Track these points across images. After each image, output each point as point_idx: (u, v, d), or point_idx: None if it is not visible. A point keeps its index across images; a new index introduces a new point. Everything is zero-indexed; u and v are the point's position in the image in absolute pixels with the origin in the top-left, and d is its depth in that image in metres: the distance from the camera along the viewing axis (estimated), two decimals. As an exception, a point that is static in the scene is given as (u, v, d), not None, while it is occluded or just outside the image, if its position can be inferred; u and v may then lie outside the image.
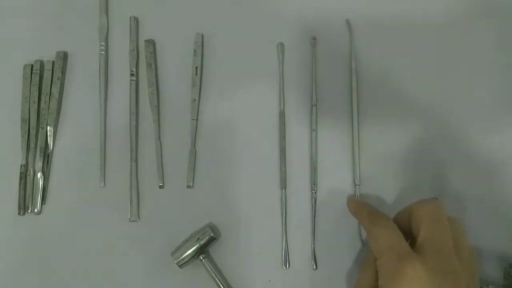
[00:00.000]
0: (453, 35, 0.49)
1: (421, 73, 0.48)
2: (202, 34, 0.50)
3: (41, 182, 0.47)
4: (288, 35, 0.50)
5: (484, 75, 0.48)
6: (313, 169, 0.46)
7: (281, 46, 0.50)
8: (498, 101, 0.48)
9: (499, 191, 0.46)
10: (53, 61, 0.50)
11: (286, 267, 0.45)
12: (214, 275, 0.44)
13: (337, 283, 0.45)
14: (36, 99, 0.49)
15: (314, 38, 0.49)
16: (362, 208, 0.42)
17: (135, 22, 0.50)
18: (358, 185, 0.46)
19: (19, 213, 0.47)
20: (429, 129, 0.47)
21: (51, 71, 0.49)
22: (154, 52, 0.50)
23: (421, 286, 0.32)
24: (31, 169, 0.48)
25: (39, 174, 0.47)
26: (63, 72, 0.50)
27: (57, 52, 0.50)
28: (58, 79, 0.49)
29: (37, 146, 0.48)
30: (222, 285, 0.44)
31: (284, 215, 0.46)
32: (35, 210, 0.47)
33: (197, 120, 0.48)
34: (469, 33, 0.49)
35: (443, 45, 0.49)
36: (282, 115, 0.48)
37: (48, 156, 0.48)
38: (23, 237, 0.47)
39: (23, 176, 0.48)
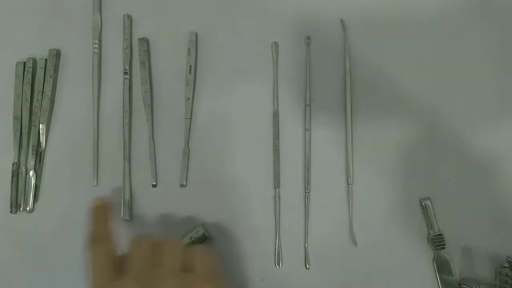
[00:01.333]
0: (447, 34, 0.49)
1: (415, 72, 0.48)
2: (196, 33, 0.50)
3: (33, 180, 0.47)
4: (283, 35, 0.50)
5: (478, 74, 0.48)
6: (307, 168, 0.47)
7: (275, 46, 0.49)
8: (492, 99, 0.48)
9: (492, 191, 0.46)
10: (46, 59, 0.49)
11: (278, 266, 0.45)
12: (206, 274, 0.44)
13: (329, 283, 0.45)
14: (29, 97, 0.48)
15: (309, 38, 0.49)
16: (96, 223, 0.40)
17: (129, 20, 0.50)
18: (351, 184, 0.46)
19: (11, 211, 0.47)
20: (423, 128, 0.47)
21: (43, 69, 0.49)
22: (148, 50, 0.50)
23: None
24: (23, 167, 0.47)
25: (31, 172, 0.47)
26: (56, 70, 0.49)
27: (50, 50, 0.49)
28: (50, 77, 0.49)
29: (29, 144, 0.48)
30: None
31: (277, 214, 0.46)
32: (27, 208, 0.47)
33: (190, 119, 0.48)
34: (464, 32, 0.49)
35: (437, 44, 0.49)
36: (276, 115, 0.48)
37: (41, 154, 0.48)
38: (15, 235, 0.46)
39: (15, 174, 0.47)
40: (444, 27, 0.49)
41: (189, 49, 0.49)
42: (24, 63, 0.49)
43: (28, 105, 0.48)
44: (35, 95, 0.49)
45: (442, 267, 0.45)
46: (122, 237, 0.45)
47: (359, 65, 0.49)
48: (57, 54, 0.49)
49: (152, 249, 0.37)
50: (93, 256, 0.37)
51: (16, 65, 0.49)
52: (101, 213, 0.41)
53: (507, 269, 0.43)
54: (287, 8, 0.50)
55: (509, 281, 0.42)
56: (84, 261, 0.37)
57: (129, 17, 0.50)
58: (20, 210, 0.47)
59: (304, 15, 0.50)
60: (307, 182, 0.46)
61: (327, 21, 0.50)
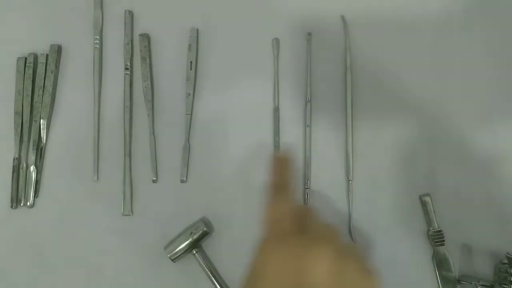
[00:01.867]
0: (449, 32, 0.49)
1: (416, 69, 0.48)
2: (197, 29, 0.50)
3: (34, 176, 0.47)
4: (283, 31, 0.50)
5: (479, 72, 0.48)
6: (307, 164, 0.47)
7: (276, 42, 0.49)
8: (492, 98, 0.48)
9: (491, 189, 0.46)
10: (47, 54, 0.49)
11: (278, 262, 0.45)
12: (207, 269, 0.44)
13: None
14: (30, 92, 0.48)
15: (309, 34, 0.49)
16: (279, 173, 0.40)
17: (130, 16, 0.50)
18: (351, 180, 0.46)
19: (11, 206, 0.47)
20: (423, 125, 0.47)
21: (44, 64, 0.49)
22: (149, 46, 0.50)
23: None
24: (24, 162, 0.48)
25: (32, 168, 0.47)
26: (57, 65, 0.49)
27: (51, 45, 0.49)
28: (51, 72, 0.49)
29: (30, 140, 0.48)
30: (215, 279, 0.44)
31: (277, 210, 0.46)
32: (28, 203, 0.47)
33: (191, 114, 0.48)
34: (465, 29, 0.49)
35: (438, 41, 0.49)
36: (276, 111, 0.48)
37: (41, 149, 0.48)
38: (15, 230, 0.47)
39: (16, 169, 0.47)
40: (445, 25, 0.49)
41: (190, 45, 0.49)
42: (26, 58, 0.49)
43: (29, 101, 0.48)
44: (36, 90, 0.49)
45: (441, 263, 0.45)
46: (123, 233, 0.46)
47: (360, 62, 0.49)
48: (58, 50, 0.50)
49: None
50: (274, 204, 0.37)
51: (17, 61, 0.49)
52: (284, 165, 0.40)
53: (506, 265, 0.43)
54: (288, 4, 0.50)
55: (508, 277, 0.42)
56: (262, 212, 0.36)
57: (130, 13, 0.50)
58: (20, 205, 0.47)
59: (305, 11, 0.50)
60: (307, 178, 0.46)
61: (328, 17, 0.50)
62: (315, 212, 0.38)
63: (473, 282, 0.43)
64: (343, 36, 0.49)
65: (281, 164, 0.41)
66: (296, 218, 0.35)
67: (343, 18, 0.50)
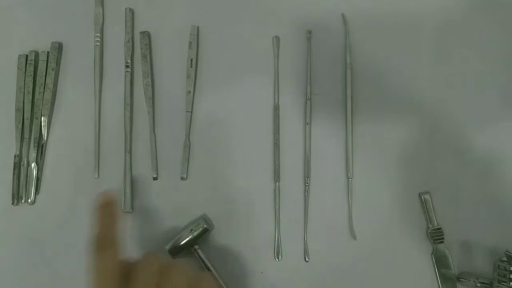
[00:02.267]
0: (449, 31, 0.49)
1: (416, 67, 0.49)
2: (198, 27, 0.50)
3: (35, 172, 0.47)
4: (284, 29, 0.50)
5: (480, 70, 0.48)
6: (307, 162, 0.47)
7: (276, 40, 0.50)
8: (491, 97, 0.48)
9: (491, 187, 0.46)
10: (48, 52, 0.49)
11: (278, 259, 0.45)
12: (207, 266, 0.44)
13: (328, 275, 0.45)
14: (31, 89, 0.49)
15: (310, 32, 0.49)
16: (102, 224, 0.37)
17: (131, 13, 0.50)
18: (351, 178, 0.46)
19: (12, 203, 0.47)
20: (423, 123, 0.48)
21: (45, 61, 0.49)
22: (149, 44, 0.50)
23: None
24: (25, 159, 0.48)
25: (33, 165, 0.47)
26: (58, 63, 0.50)
27: (52, 43, 0.50)
28: (52, 69, 0.49)
29: (31, 137, 0.48)
30: (214, 276, 0.44)
31: (277, 207, 0.46)
32: (29, 200, 0.47)
33: (191, 112, 0.48)
34: (466, 28, 0.49)
35: (438, 40, 0.49)
36: (276, 108, 0.48)
37: (42, 146, 0.48)
38: (16, 226, 0.47)
39: (17, 166, 0.48)
40: (446, 24, 0.49)
41: (190, 42, 0.49)
42: (26, 56, 0.49)
43: (30, 98, 0.48)
44: (37, 87, 0.49)
45: (440, 261, 0.45)
46: (123, 230, 0.46)
47: (360, 60, 0.49)
48: (59, 47, 0.50)
49: (160, 269, 0.35)
50: (98, 263, 0.35)
51: (19, 58, 0.49)
52: (108, 212, 0.37)
53: (506, 263, 0.43)
54: (289, 2, 0.50)
55: (507, 275, 0.42)
56: (87, 266, 0.35)
57: (131, 11, 0.50)
58: (21, 202, 0.47)
59: (305, 9, 0.50)
60: (307, 175, 0.46)
61: (328, 15, 0.50)
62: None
63: (472, 280, 0.43)
64: (343, 34, 0.49)
65: (104, 212, 0.37)
66: (123, 275, 0.34)
67: (343, 16, 0.50)
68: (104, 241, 0.36)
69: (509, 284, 0.42)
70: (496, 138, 0.47)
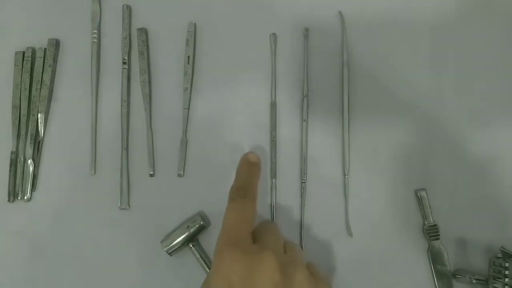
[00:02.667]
0: (447, 30, 0.49)
1: (412, 66, 0.49)
2: (195, 24, 0.50)
3: (31, 169, 0.47)
4: (281, 26, 0.50)
5: (476, 71, 0.49)
6: (303, 159, 0.47)
7: (273, 37, 0.50)
8: (487, 95, 0.48)
9: (487, 184, 0.47)
10: (45, 49, 0.49)
11: (275, 255, 0.45)
12: (203, 263, 0.44)
13: (325, 272, 0.45)
14: (28, 86, 0.49)
15: (307, 29, 0.50)
16: (246, 177, 0.42)
17: (128, 10, 0.50)
18: (347, 175, 0.46)
19: (8, 200, 0.47)
20: (419, 121, 0.48)
21: (42, 58, 0.49)
22: (147, 40, 0.50)
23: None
24: (22, 156, 0.48)
25: (29, 161, 0.47)
26: (55, 59, 0.50)
27: (49, 39, 0.50)
28: (49, 66, 0.49)
29: (27, 133, 0.48)
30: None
31: (273, 204, 0.46)
32: (25, 197, 0.47)
33: (188, 109, 0.48)
34: (463, 28, 0.49)
35: (434, 39, 0.49)
36: (273, 106, 0.48)
37: (39, 143, 0.48)
38: (12, 223, 0.47)
39: (13, 163, 0.47)
40: (443, 24, 0.49)
41: (187, 39, 0.49)
42: (23, 52, 0.49)
43: (27, 94, 0.48)
44: (34, 84, 0.49)
45: (436, 257, 0.45)
46: (120, 227, 0.46)
47: (357, 58, 0.49)
48: (56, 44, 0.50)
49: (283, 239, 0.39)
50: (234, 209, 0.38)
51: (15, 54, 0.49)
52: (253, 169, 0.42)
53: (501, 259, 0.43)
54: (286, 0, 0.50)
55: (503, 271, 0.43)
56: (225, 213, 0.38)
57: (128, 7, 0.50)
58: (18, 199, 0.47)
59: (302, 7, 0.50)
60: (303, 172, 0.47)
61: (325, 13, 0.50)
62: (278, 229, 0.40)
63: (467, 276, 0.43)
64: (340, 31, 0.50)
65: (249, 168, 0.42)
66: (253, 225, 0.38)
67: (340, 13, 0.50)
68: (247, 189, 0.40)
69: (504, 280, 0.42)
70: (492, 137, 0.47)
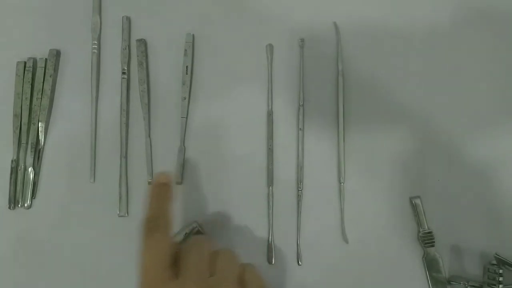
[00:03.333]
0: (440, 39, 0.50)
1: (407, 75, 0.50)
2: (193, 35, 0.51)
3: (31, 177, 0.48)
4: (277, 37, 0.51)
5: (472, 79, 0.49)
6: (299, 167, 0.48)
7: (270, 47, 0.51)
8: (480, 103, 0.49)
9: (481, 191, 0.47)
10: (46, 59, 0.50)
11: (271, 262, 0.46)
12: (200, 270, 0.44)
13: (321, 280, 0.45)
14: (29, 95, 0.49)
15: (302, 40, 0.51)
16: (156, 204, 0.37)
17: (128, 22, 0.51)
18: (343, 183, 0.47)
19: (9, 207, 0.48)
20: (414, 130, 0.48)
21: (43, 68, 0.50)
22: (146, 51, 0.51)
23: None
24: (22, 164, 0.48)
25: (29, 169, 0.48)
26: (56, 69, 0.51)
27: (50, 50, 0.51)
28: (50, 76, 0.50)
29: (28, 142, 0.49)
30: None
31: (270, 211, 0.47)
32: (25, 205, 0.48)
33: (186, 118, 0.49)
34: (458, 37, 0.50)
35: (427, 48, 0.50)
36: (270, 115, 0.49)
37: (39, 151, 0.49)
38: (12, 230, 0.47)
39: (14, 171, 0.48)
40: (436, 33, 0.50)
41: (185, 50, 0.50)
42: (25, 62, 0.50)
43: (28, 104, 0.49)
44: (34, 93, 0.50)
45: (431, 264, 0.45)
46: (118, 234, 0.47)
47: (352, 68, 0.50)
48: (57, 54, 0.51)
49: (210, 253, 0.35)
50: (148, 247, 0.34)
51: (17, 65, 0.50)
52: (164, 193, 0.37)
53: (495, 266, 0.43)
54: (282, 11, 0.51)
55: (497, 278, 0.43)
56: (138, 247, 0.35)
57: (128, 19, 0.51)
58: (18, 206, 0.48)
59: (298, 18, 0.51)
60: (300, 180, 0.47)
61: (320, 24, 0.51)
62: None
63: (462, 283, 0.44)
64: (335, 42, 0.51)
65: (159, 192, 0.37)
66: (173, 257, 0.34)
67: (335, 24, 0.51)
68: (155, 223, 0.35)
69: (499, 287, 0.43)
70: (486, 144, 0.48)
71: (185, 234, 0.45)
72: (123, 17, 0.51)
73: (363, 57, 0.50)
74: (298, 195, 0.47)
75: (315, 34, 0.51)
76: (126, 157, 0.48)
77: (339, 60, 0.50)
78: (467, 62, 0.50)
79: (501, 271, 0.43)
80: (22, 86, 0.50)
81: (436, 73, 0.50)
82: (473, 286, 0.44)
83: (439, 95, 0.49)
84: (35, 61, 0.51)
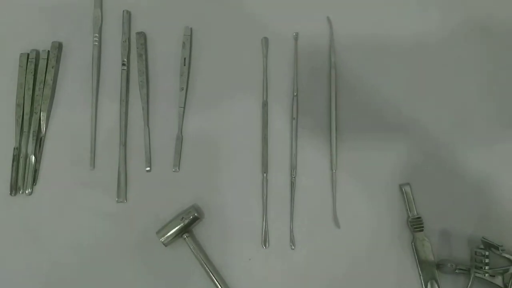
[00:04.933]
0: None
1: (395, 74, 0.52)
2: (191, 28, 0.53)
3: (33, 164, 0.49)
4: (272, 30, 0.53)
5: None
6: (293, 155, 0.49)
7: (265, 40, 0.53)
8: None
9: (468, 179, 0.49)
10: (48, 51, 0.52)
11: (265, 246, 0.47)
12: (196, 253, 0.46)
13: (313, 262, 0.47)
14: (31, 86, 0.51)
15: (297, 34, 0.53)
16: None
17: (128, 15, 0.53)
18: (335, 170, 0.49)
19: (10, 194, 0.49)
20: (403, 122, 0.50)
21: (46, 60, 0.52)
22: (145, 44, 0.53)
23: None
24: (24, 152, 0.50)
25: (31, 157, 0.49)
26: (58, 61, 0.52)
27: (52, 42, 0.52)
28: (52, 67, 0.52)
29: (30, 130, 0.50)
30: (204, 262, 0.46)
31: (265, 197, 0.48)
32: (27, 191, 0.49)
33: (184, 107, 0.51)
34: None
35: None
36: (265, 105, 0.51)
37: (41, 140, 0.50)
38: (14, 216, 0.48)
39: (16, 158, 0.50)
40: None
41: (183, 42, 0.52)
42: (28, 54, 0.52)
43: (30, 94, 0.51)
44: (37, 84, 0.51)
45: (420, 248, 0.47)
46: (117, 219, 0.48)
47: (344, 64, 0.52)
48: (59, 46, 0.52)
49: None
50: None
51: (20, 56, 0.52)
52: None
53: (482, 249, 0.45)
54: (277, 6, 0.53)
55: (483, 260, 0.44)
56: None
57: (128, 13, 0.53)
58: (19, 192, 0.49)
59: (293, 12, 0.53)
60: (293, 167, 0.49)
61: (314, 18, 0.53)
62: None
63: (449, 264, 0.45)
64: (328, 35, 0.52)
65: None
66: None
67: (328, 19, 0.53)
68: None
69: (485, 268, 0.44)
70: (476, 141, 0.50)
71: (182, 218, 0.46)
72: (123, 11, 0.53)
73: (357, 60, 0.52)
74: (292, 181, 0.48)
75: (309, 28, 0.53)
76: (125, 145, 0.50)
77: (331, 52, 0.52)
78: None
79: (487, 253, 0.44)
80: (25, 77, 0.51)
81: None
82: (461, 269, 0.45)
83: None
84: (37, 53, 0.52)
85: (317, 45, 0.52)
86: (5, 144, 0.50)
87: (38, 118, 0.50)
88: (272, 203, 0.48)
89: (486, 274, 0.44)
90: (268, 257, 0.47)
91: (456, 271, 0.45)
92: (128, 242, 0.48)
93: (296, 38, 0.52)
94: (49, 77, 0.51)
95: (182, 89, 0.51)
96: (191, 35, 0.53)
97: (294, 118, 0.50)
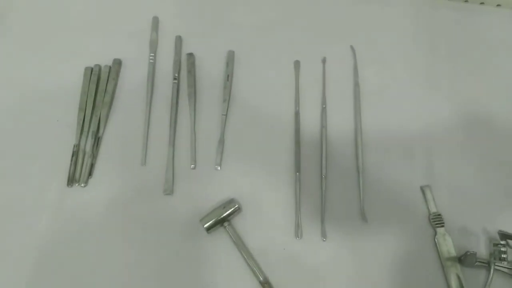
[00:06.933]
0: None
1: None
2: (233, 51, 0.61)
3: (90, 160, 0.55)
4: (303, 54, 0.61)
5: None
6: (324, 157, 0.55)
7: (297, 63, 0.61)
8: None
9: (485, 178, 0.54)
10: (110, 66, 0.60)
11: (299, 237, 0.51)
12: (236, 240, 0.50)
13: (342, 253, 0.51)
14: (93, 93, 0.58)
15: (325, 58, 0.61)
16: None
17: (179, 40, 0.62)
18: (361, 172, 0.54)
19: (68, 185, 0.54)
20: (425, 127, 0.57)
21: (107, 73, 0.60)
22: (194, 62, 0.61)
23: None
24: (83, 148, 0.55)
25: (89, 153, 0.55)
26: (117, 74, 0.60)
27: (114, 59, 0.60)
28: (113, 79, 0.59)
29: (89, 130, 0.56)
30: (242, 250, 0.49)
31: (298, 194, 0.53)
32: (82, 184, 0.54)
33: (226, 115, 0.57)
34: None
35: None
36: (297, 114, 0.58)
37: (98, 139, 0.56)
38: (70, 206, 0.53)
39: (75, 153, 0.55)
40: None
41: (227, 63, 0.60)
42: (92, 68, 0.60)
43: (92, 100, 0.58)
44: (98, 92, 0.58)
45: (442, 242, 0.50)
46: (164, 210, 0.52)
47: (366, 83, 0.60)
48: (119, 63, 0.60)
49: None
50: None
51: (85, 69, 0.60)
52: None
53: (501, 245, 0.49)
54: (308, 33, 0.62)
55: (502, 253, 0.48)
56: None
57: (180, 38, 0.62)
58: (76, 184, 0.54)
59: (318, 39, 0.62)
60: (323, 168, 0.54)
61: (340, 45, 0.62)
62: None
63: (468, 252, 0.48)
64: (352, 60, 0.61)
65: None
66: None
67: (352, 48, 0.62)
68: None
69: (503, 263, 0.48)
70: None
71: (224, 207, 0.51)
72: (176, 36, 0.62)
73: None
74: (322, 181, 0.54)
75: (335, 53, 0.61)
76: (173, 146, 0.56)
77: (355, 74, 0.60)
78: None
79: (504, 249, 0.48)
80: (88, 86, 0.59)
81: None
82: (481, 262, 0.49)
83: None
84: (100, 68, 0.60)
85: (342, 67, 0.61)
86: (66, 142, 0.56)
87: (98, 120, 0.57)
88: (304, 198, 0.53)
89: (505, 263, 0.48)
90: (301, 247, 0.51)
91: (477, 263, 0.49)
92: (174, 230, 0.52)
93: (324, 61, 0.61)
94: (110, 87, 0.59)
95: (225, 100, 0.58)
96: (233, 57, 0.61)
97: (323, 127, 0.57)
